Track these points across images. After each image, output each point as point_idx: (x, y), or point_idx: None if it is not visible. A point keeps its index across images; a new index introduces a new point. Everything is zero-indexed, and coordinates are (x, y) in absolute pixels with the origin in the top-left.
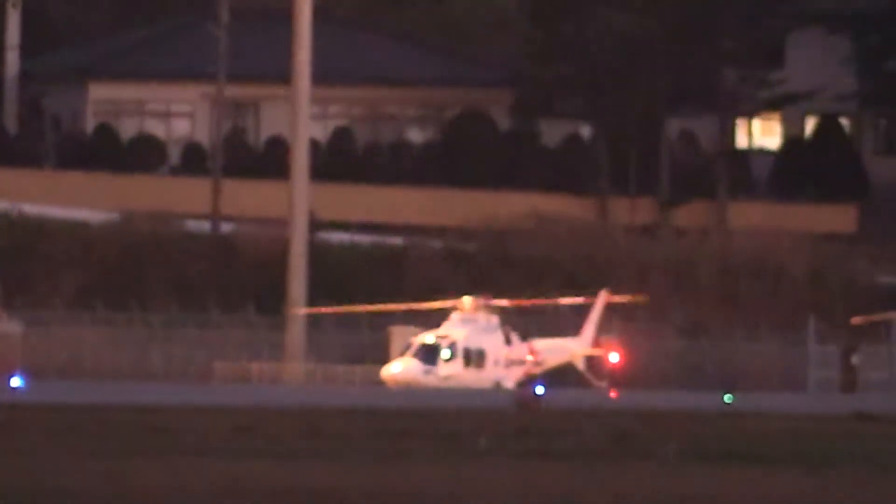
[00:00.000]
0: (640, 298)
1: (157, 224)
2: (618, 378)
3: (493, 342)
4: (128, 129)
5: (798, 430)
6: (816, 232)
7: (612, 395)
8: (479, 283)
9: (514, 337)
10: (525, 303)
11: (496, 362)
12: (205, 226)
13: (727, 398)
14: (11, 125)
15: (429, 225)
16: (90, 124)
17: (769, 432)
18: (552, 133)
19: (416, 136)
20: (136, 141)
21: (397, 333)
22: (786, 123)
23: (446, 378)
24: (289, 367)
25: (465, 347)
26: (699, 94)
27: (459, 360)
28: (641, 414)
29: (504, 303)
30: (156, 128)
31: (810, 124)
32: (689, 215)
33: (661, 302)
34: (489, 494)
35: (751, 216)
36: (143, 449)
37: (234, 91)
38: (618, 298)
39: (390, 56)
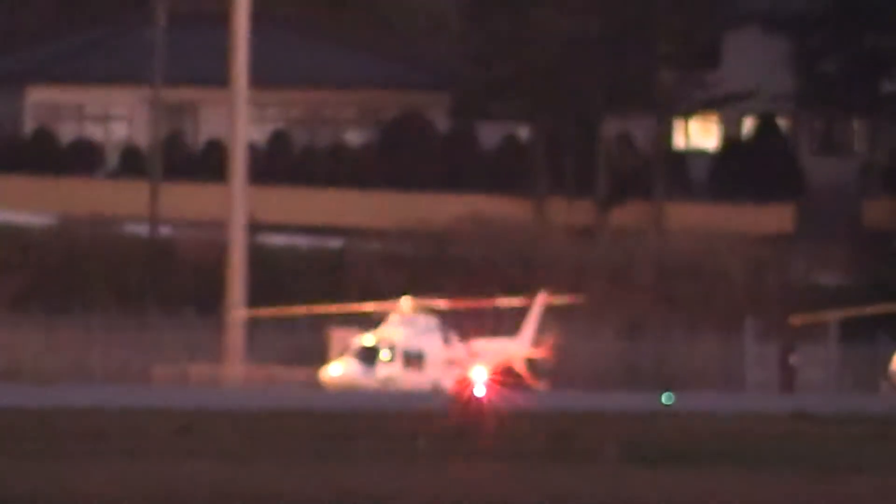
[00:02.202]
0: (578, 299)
1: (95, 227)
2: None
3: (432, 343)
4: (66, 132)
5: (735, 429)
6: (754, 232)
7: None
8: (418, 285)
9: (453, 338)
10: (463, 304)
11: (435, 364)
12: (143, 229)
13: (665, 398)
14: None
15: (367, 227)
16: (28, 128)
17: (706, 432)
18: (490, 135)
19: (353, 138)
20: (75, 144)
21: (336, 335)
22: (723, 124)
23: (385, 380)
24: (228, 369)
25: (404, 349)
26: (636, 95)
27: (398, 362)
28: (580, 414)
29: (443, 304)
30: (94, 131)
31: (747, 125)
32: (627, 216)
33: (599, 302)
34: (428, 496)
35: (688, 217)
36: (83, 452)
37: (172, 94)
38: (556, 299)
39: (328, 58)
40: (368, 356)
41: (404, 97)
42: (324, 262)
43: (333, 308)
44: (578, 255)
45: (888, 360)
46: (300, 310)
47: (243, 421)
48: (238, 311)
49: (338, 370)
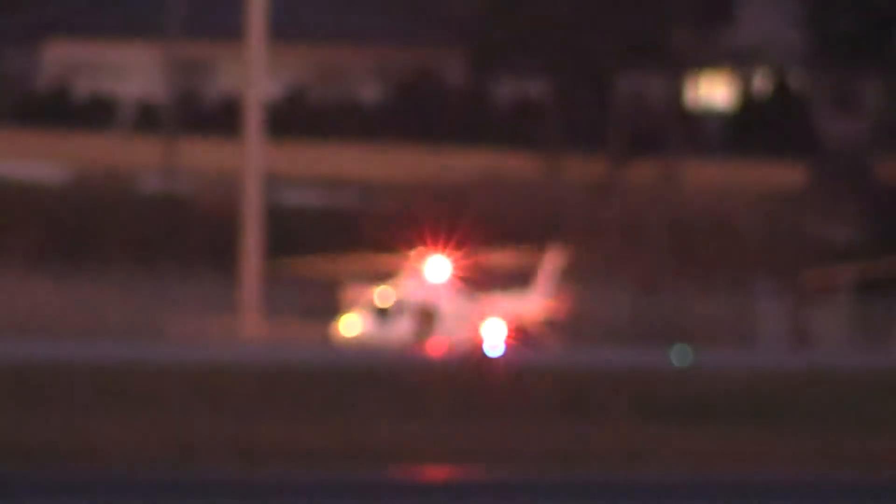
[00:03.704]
0: (592, 255)
1: (110, 183)
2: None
3: (445, 299)
4: (82, 87)
5: (749, 386)
6: (767, 189)
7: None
8: (432, 240)
9: (467, 293)
10: (478, 259)
11: (449, 319)
12: (159, 184)
13: (677, 352)
14: None
15: (382, 182)
16: (44, 83)
17: (720, 389)
18: (504, 91)
19: (369, 93)
20: (91, 99)
21: (351, 290)
22: (736, 81)
23: (400, 335)
24: (244, 324)
25: (419, 304)
26: (650, 52)
27: (413, 317)
28: (593, 371)
29: (457, 259)
30: (110, 86)
31: (761, 82)
32: (641, 173)
33: (613, 259)
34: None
35: (701, 174)
36: (98, 405)
37: (188, 49)
38: (569, 255)
39: (343, 14)
40: (383, 311)
41: (419, 53)
42: (338, 217)
43: (349, 265)
44: (592, 212)
45: None
46: (317, 267)
47: (258, 376)
48: (254, 268)
49: (352, 325)
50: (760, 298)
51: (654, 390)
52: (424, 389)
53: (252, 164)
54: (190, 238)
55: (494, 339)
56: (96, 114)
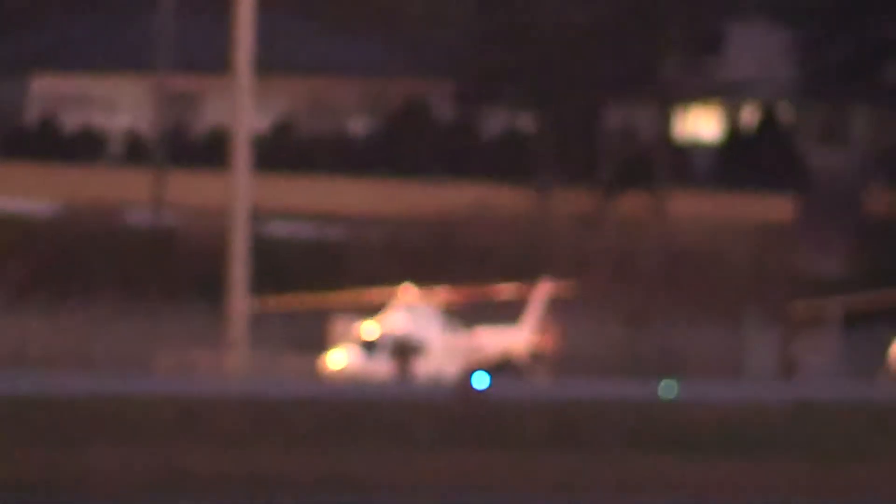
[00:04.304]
0: (581, 288)
1: (99, 215)
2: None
3: (434, 333)
4: (70, 120)
5: (737, 418)
6: (756, 222)
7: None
8: (420, 274)
9: (456, 327)
10: (466, 293)
11: (437, 353)
12: (147, 217)
13: (665, 386)
14: None
15: (370, 215)
16: (32, 115)
17: (709, 420)
18: (493, 124)
19: (357, 126)
20: (79, 132)
21: (339, 324)
22: (725, 113)
23: (387, 368)
24: (231, 358)
25: (407, 337)
26: (639, 85)
27: (397, 351)
28: (582, 403)
29: (445, 293)
30: (98, 119)
31: (749, 114)
32: (630, 205)
33: (602, 292)
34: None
35: (690, 206)
36: (86, 439)
37: (176, 82)
38: (558, 288)
39: (331, 46)
40: (370, 345)
41: (408, 85)
42: (326, 251)
43: (336, 298)
44: (581, 245)
45: (888, 348)
46: (304, 301)
47: (245, 408)
48: (242, 302)
49: (340, 359)
50: (749, 331)
51: (643, 422)
52: (411, 422)
53: (239, 197)
54: (177, 271)
55: (483, 372)
56: (84, 147)
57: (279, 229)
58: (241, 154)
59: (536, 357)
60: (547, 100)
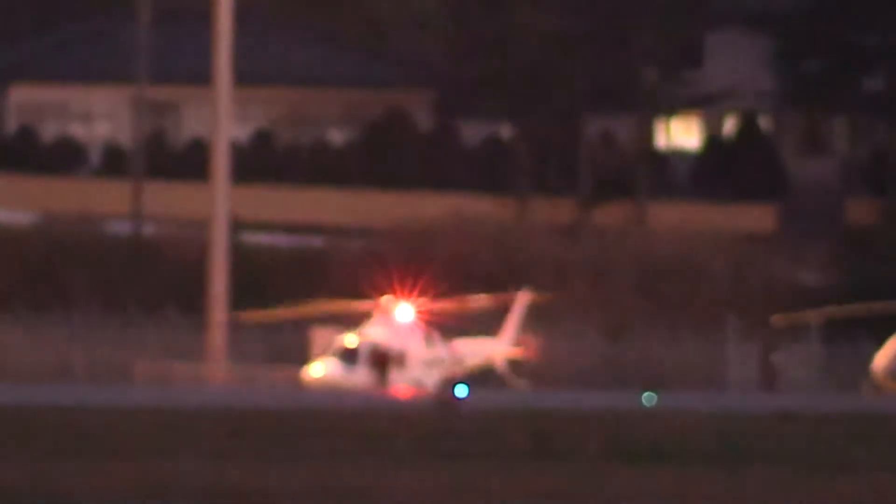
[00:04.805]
0: (560, 298)
1: (78, 226)
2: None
3: (413, 343)
4: (49, 131)
5: (718, 428)
6: (736, 232)
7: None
8: (400, 284)
9: (436, 337)
10: (445, 303)
11: (416, 363)
12: (126, 227)
13: (646, 399)
14: None
15: (350, 225)
16: (11, 126)
17: (689, 431)
18: (472, 134)
19: (336, 136)
20: (58, 143)
21: (318, 334)
22: (705, 123)
23: (367, 379)
24: (210, 368)
25: (386, 348)
26: (618, 95)
27: (375, 361)
28: (562, 414)
29: (424, 303)
30: (77, 130)
31: (730, 124)
32: (610, 215)
33: (582, 302)
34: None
35: (670, 216)
36: (65, 451)
37: (155, 93)
38: (538, 298)
39: (311, 57)
40: (350, 356)
41: (387, 96)
42: (306, 261)
43: (316, 309)
44: (561, 255)
45: (870, 359)
46: (284, 311)
47: (225, 420)
48: (221, 312)
49: (320, 369)
50: (729, 341)
51: (623, 433)
52: (390, 433)
53: (219, 208)
54: (157, 282)
55: (462, 382)
56: (63, 158)
57: (259, 239)
58: (221, 164)
59: (516, 367)
60: (526, 110)
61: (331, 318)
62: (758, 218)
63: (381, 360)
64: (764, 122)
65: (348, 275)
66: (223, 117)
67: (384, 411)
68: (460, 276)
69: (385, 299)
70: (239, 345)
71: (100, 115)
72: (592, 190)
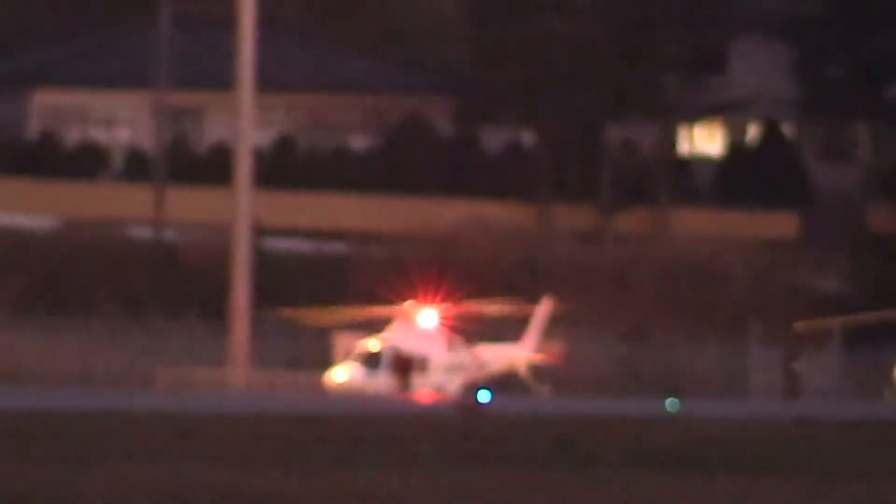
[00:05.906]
0: (582, 305)
1: (99, 231)
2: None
3: (435, 349)
4: (71, 135)
5: (739, 435)
6: (759, 238)
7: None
8: (422, 290)
9: (458, 343)
10: (467, 309)
11: (439, 369)
12: (147, 233)
13: (669, 405)
14: None
15: (371, 231)
16: (33, 131)
17: (710, 438)
18: (494, 140)
19: (358, 142)
20: (80, 148)
21: (341, 340)
22: (727, 130)
23: (389, 384)
24: (232, 374)
25: (408, 353)
26: (641, 101)
27: (397, 367)
28: (583, 420)
29: (447, 309)
30: (99, 135)
31: (752, 131)
32: (631, 222)
33: (604, 308)
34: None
35: (692, 223)
36: (86, 455)
37: (177, 98)
38: (560, 305)
39: (333, 63)
40: (372, 361)
41: (408, 102)
42: (328, 267)
43: (338, 314)
44: (582, 261)
45: (892, 366)
46: (306, 317)
47: (247, 425)
48: (243, 318)
49: (342, 375)
50: (751, 348)
51: (644, 439)
52: (413, 438)
53: (241, 213)
54: (178, 287)
55: (484, 388)
56: (85, 162)
57: (281, 245)
58: (243, 170)
59: (538, 373)
60: (548, 116)
61: (353, 323)
62: (780, 225)
63: (404, 366)
64: (786, 129)
65: (370, 280)
66: (245, 123)
67: (406, 416)
68: (482, 281)
69: (407, 305)
70: (261, 350)
71: (122, 120)
72: (614, 196)
